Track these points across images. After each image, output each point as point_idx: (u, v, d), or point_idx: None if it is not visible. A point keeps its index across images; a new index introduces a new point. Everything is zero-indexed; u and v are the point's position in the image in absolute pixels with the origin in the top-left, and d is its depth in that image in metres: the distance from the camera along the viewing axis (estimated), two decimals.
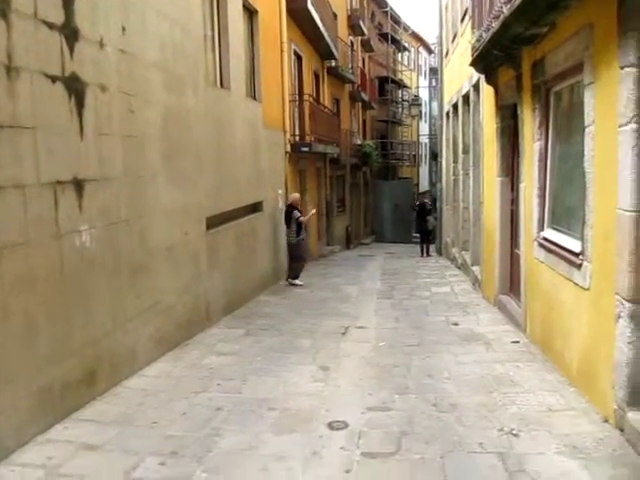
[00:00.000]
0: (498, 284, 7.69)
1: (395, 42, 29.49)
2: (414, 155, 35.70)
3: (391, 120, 29.16)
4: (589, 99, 4.03)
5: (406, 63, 34.19)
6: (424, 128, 39.51)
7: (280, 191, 11.17)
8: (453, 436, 3.80)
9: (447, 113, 14.40)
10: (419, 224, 17.17)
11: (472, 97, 9.74)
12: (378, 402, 4.45)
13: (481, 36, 6.58)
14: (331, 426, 4.02)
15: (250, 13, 9.35)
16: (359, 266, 14.24)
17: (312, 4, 12.18)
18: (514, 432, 3.81)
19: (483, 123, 8.54)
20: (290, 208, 10.55)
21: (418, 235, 29.62)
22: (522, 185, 6.11)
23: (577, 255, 4.40)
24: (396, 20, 29.72)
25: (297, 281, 10.51)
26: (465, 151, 11.32)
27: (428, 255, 16.61)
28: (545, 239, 5.36)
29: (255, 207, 9.24)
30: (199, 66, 6.76)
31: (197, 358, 5.65)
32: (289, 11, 11.54)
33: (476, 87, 9.48)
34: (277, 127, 10.86)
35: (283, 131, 11.30)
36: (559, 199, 5.23)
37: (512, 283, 7.48)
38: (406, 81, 32.13)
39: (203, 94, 6.80)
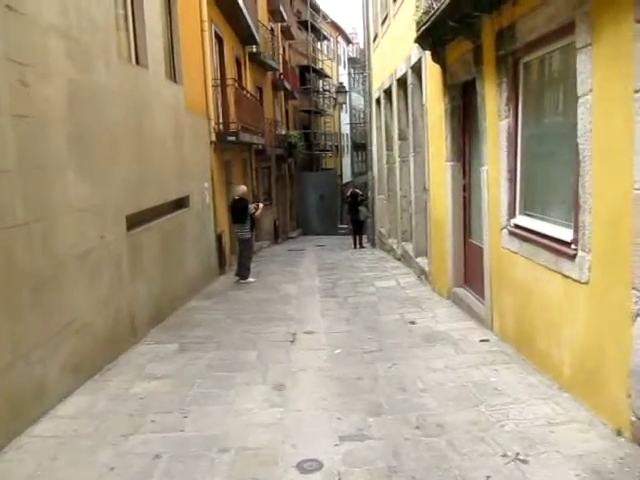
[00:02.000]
0: (451, 276, 7.20)
1: (315, 30, 28.83)
2: (336, 146, 35.36)
3: (314, 110, 28.54)
4: (585, 64, 3.49)
5: (325, 53, 33.67)
6: (345, 118, 39.29)
7: (206, 184, 10.20)
8: (452, 469, 3.15)
9: (377, 100, 13.88)
10: (351, 215, 16.62)
11: (410, 80, 9.21)
12: (351, 429, 3.73)
13: (431, 7, 5.98)
14: (302, 468, 3.26)
15: None
16: (293, 262, 13.49)
17: None
18: (520, 457, 3.22)
19: (427, 105, 8.01)
20: (243, 202, 10.08)
21: (348, 226, 29.60)
22: (484, 169, 5.58)
23: (568, 244, 3.88)
24: (315, 8, 29.05)
25: (250, 279, 10.05)
26: (402, 137, 10.82)
27: (361, 247, 16.12)
28: (518, 227, 4.84)
29: (181, 202, 8.25)
30: (111, 38, 5.72)
31: (124, 386, 4.69)
32: None
33: (415, 68, 8.95)
34: (201, 113, 9.86)
35: (207, 118, 10.30)
36: (535, 182, 4.72)
37: (467, 275, 7.01)
38: (327, 71, 31.61)
39: (117, 71, 5.77)
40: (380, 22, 12.45)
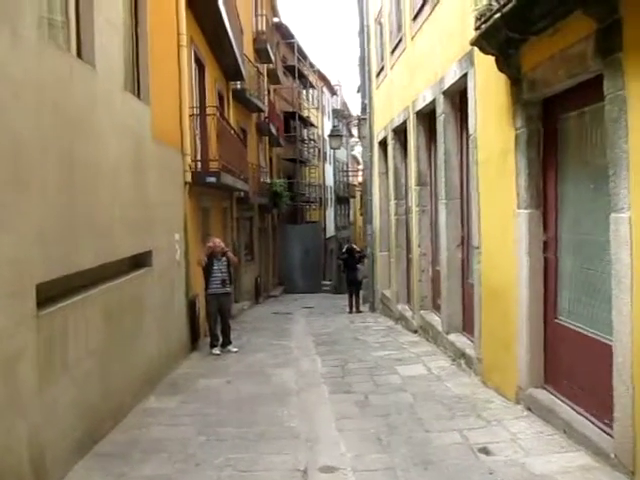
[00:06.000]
0: (525, 371, 5.01)
1: (301, 77, 27.45)
2: (320, 198, 33.57)
3: (299, 159, 26.79)
4: None
5: (311, 101, 32.36)
6: (328, 170, 37.80)
7: (177, 236, 7.98)
8: None
9: (382, 142, 12.01)
10: (346, 274, 14.42)
11: (442, 108, 7.28)
12: None
13: None
14: None
15: None
16: (281, 331, 11.16)
17: None
18: None
19: (476, 135, 6.03)
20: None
21: (331, 283, 27.38)
22: (620, 218, 3.49)
23: None
24: (302, 54, 27.78)
25: (232, 347, 8.78)
26: (421, 182, 8.84)
27: (358, 311, 13.90)
28: None
29: (139, 260, 5.98)
30: None
31: None
32: None
33: (450, 93, 7.05)
34: (173, 145, 7.74)
35: (182, 153, 8.19)
36: None
37: (553, 371, 4.83)
38: (313, 119, 30.16)
39: (34, 53, 3.64)
40: (390, 51, 10.70)
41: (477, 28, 4.96)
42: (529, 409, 4.95)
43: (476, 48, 5.39)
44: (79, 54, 4.56)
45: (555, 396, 4.70)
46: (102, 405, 4.65)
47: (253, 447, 4.48)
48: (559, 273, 4.75)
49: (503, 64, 4.99)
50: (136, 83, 6.18)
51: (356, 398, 5.83)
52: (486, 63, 5.41)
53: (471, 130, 6.17)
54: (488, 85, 5.59)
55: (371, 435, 4.70)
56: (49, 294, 3.76)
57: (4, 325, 3.12)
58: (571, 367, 4.51)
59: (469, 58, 6.04)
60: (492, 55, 5.07)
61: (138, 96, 6.19)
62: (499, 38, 4.73)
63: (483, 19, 4.79)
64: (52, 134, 3.87)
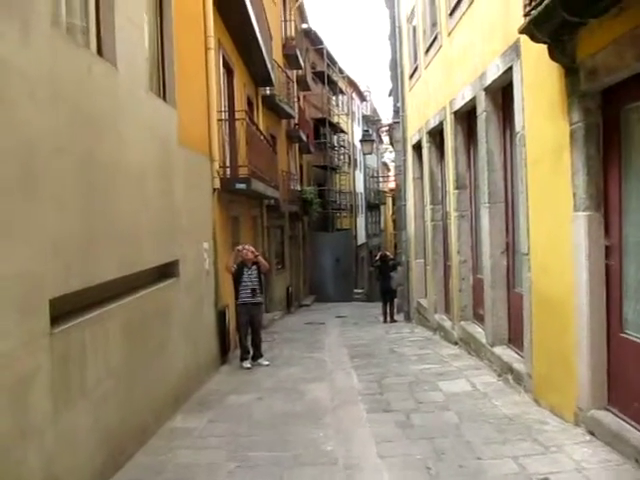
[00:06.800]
0: (587, 390, 4.51)
1: (331, 83, 27.17)
2: (351, 205, 33.17)
3: (329, 166, 26.46)
4: None
5: (340, 107, 32.06)
6: (359, 177, 37.42)
7: (206, 245, 7.70)
8: None
9: (416, 145, 11.58)
10: (380, 282, 14.00)
11: (483, 106, 6.83)
12: None
13: None
14: None
15: None
16: (313, 342, 10.78)
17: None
18: None
19: (524, 132, 5.57)
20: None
21: (363, 291, 26.97)
22: None
23: None
24: (332, 60, 27.51)
25: (263, 360, 8.40)
26: (460, 186, 8.37)
27: (393, 321, 13.44)
28: None
29: (165, 271, 5.69)
30: None
31: None
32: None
33: (492, 89, 6.61)
34: (201, 151, 7.47)
35: (210, 159, 7.91)
36: None
37: (618, 391, 4.33)
38: (342, 125, 29.83)
39: (50, 47, 3.37)
40: (424, 51, 10.29)
41: (526, 14, 4.53)
42: (592, 433, 4.45)
43: (523, 38, 5.00)
44: (100, 52, 4.30)
45: (622, 419, 4.20)
46: (125, 428, 4.34)
47: (287, 475, 4.11)
48: (624, 282, 4.26)
49: (556, 52, 4.55)
50: (162, 85, 5.93)
51: (396, 418, 5.40)
52: (534, 54, 4.99)
53: (518, 127, 5.71)
54: (537, 77, 5.15)
55: (416, 462, 4.28)
56: (65, 309, 3.47)
57: (13, 345, 2.82)
58: None
59: (514, 50, 5.62)
60: (544, 43, 4.62)
61: (164, 98, 5.93)
62: (553, 23, 4.28)
63: (534, 4, 4.36)
64: (71, 136, 3.59)
